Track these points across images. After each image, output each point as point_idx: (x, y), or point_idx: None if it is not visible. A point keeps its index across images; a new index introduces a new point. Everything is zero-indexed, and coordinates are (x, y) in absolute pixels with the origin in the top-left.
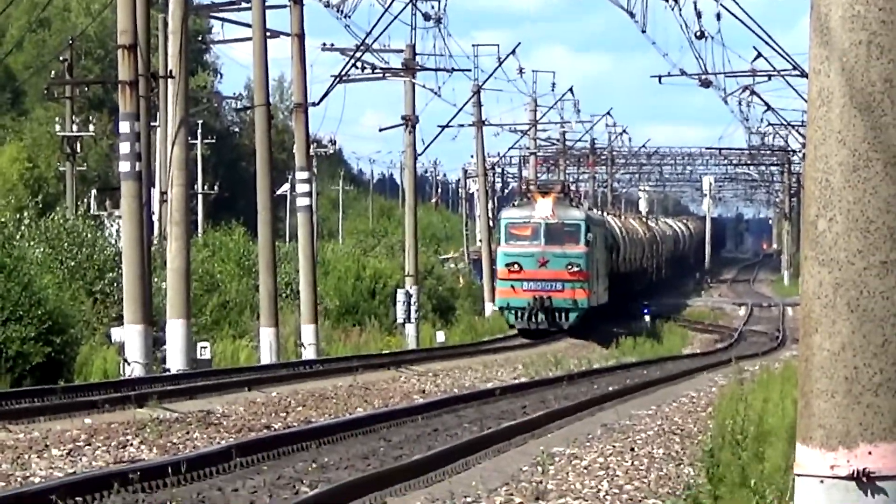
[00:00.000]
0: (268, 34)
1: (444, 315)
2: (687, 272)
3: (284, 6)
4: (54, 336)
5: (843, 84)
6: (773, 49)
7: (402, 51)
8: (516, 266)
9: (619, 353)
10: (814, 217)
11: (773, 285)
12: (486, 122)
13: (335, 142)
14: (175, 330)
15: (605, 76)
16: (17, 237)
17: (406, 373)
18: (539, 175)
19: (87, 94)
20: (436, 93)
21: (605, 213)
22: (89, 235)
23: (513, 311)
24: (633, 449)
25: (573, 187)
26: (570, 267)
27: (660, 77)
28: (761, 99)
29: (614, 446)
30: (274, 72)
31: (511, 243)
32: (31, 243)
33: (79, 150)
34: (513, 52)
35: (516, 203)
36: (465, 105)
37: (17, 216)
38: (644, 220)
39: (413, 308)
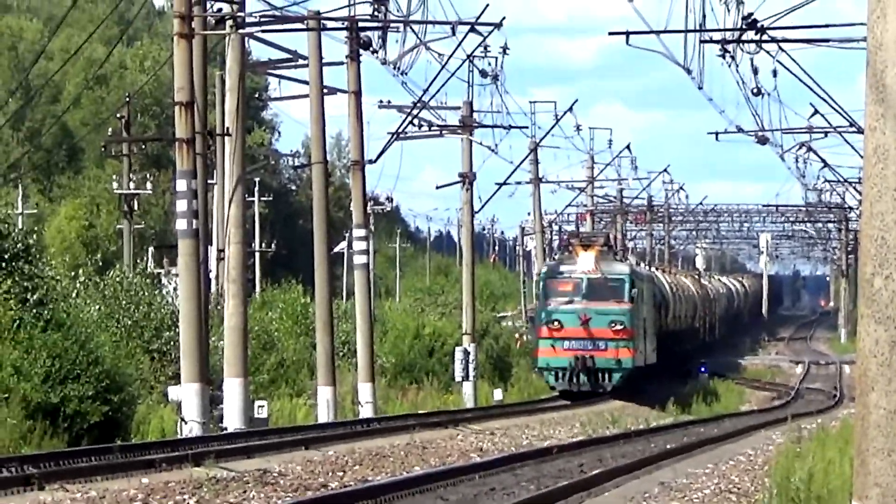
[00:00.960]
0: (325, 91)
1: (502, 373)
2: (742, 331)
3: (341, 63)
4: (112, 395)
5: None
6: (830, 105)
7: (459, 108)
8: (557, 323)
9: (671, 413)
10: (870, 275)
11: (831, 343)
12: (544, 180)
13: (392, 199)
14: (232, 388)
15: (662, 133)
16: (74, 295)
17: (463, 431)
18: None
19: (145, 151)
20: (493, 150)
21: (653, 269)
22: (146, 293)
23: (553, 372)
24: None
25: (627, 243)
26: (613, 325)
27: (717, 134)
28: (818, 155)
29: None
30: (331, 129)
31: (551, 299)
32: (88, 301)
33: (136, 207)
34: (570, 108)
35: (557, 257)
36: (522, 162)
37: (73, 274)
38: (695, 276)
39: (471, 366)
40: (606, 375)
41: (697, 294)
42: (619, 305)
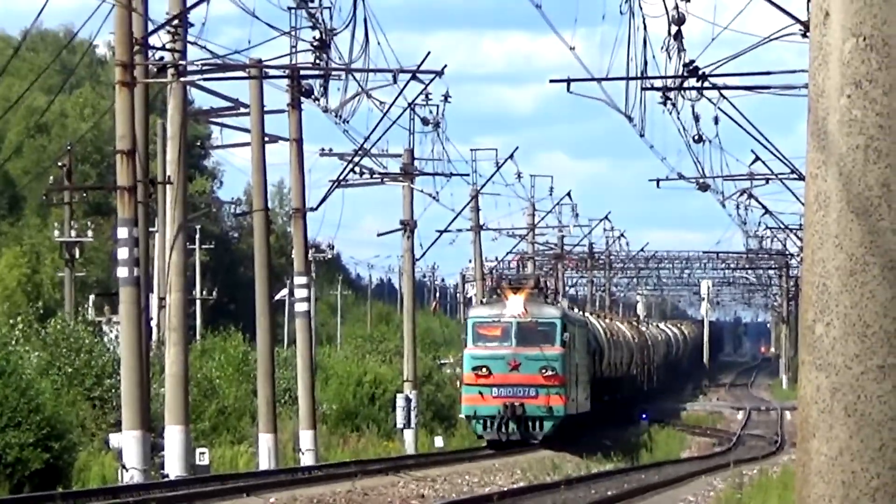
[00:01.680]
0: (266, 139)
1: (443, 420)
2: (682, 377)
3: (283, 111)
4: (53, 442)
5: (840, 188)
6: (772, 152)
7: (400, 155)
8: (484, 370)
9: (613, 461)
10: (811, 321)
11: (772, 389)
12: (485, 227)
13: (333, 246)
14: (173, 436)
15: (604, 180)
16: (13, 343)
17: (404, 478)
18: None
19: (87, 199)
20: (434, 197)
21: (587, 314)
22: (87, 341)
23: (480, 421)
24: None
25: (567, 290)
26: (544, 371)
27: (658, 181)
28: (759, 202)
29: None
30: (273, 176)
31: (479, 345)
32: (27, 349)
33: (79, 255)
34: (510, 156)
35: (485, 300)
36: (463, 209)
37: (11, 322)
38: (632, 322)
39: (412, 413)
40: (537, 424)
41: (634, 340)
42: (550, 350)
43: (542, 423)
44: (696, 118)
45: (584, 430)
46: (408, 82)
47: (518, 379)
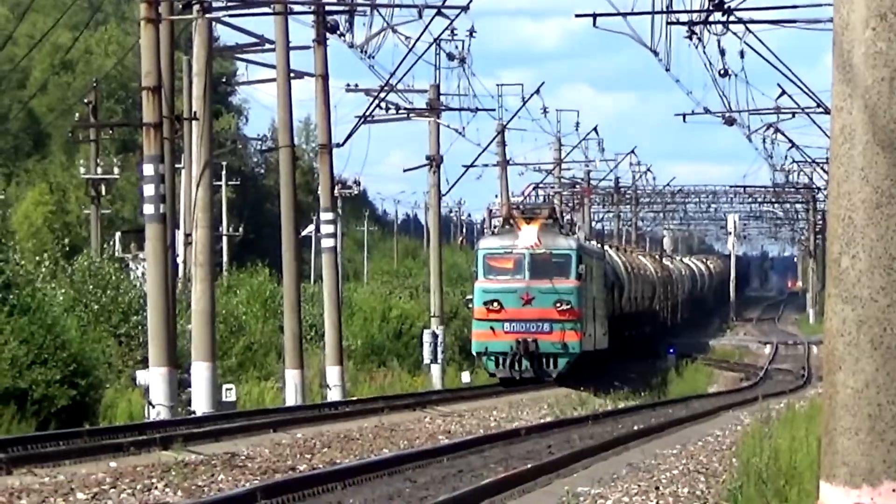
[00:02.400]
0: (292, 75)
1: (470, 356)
2: (707, 314)
3: (308, 47)
4: (79, 379)
5: (865, 121)
6: (797, 86)
7: (426, 91)
8: (496, 304)
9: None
10: (837, 255)
11: (799, 324)
12: (511, 162)
13: (360, 182)
14: (200, 372)
15: (630, 114)
16: (39, 280)
17: (431, 413)
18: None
19: (113, 136)
20: (460, 133)
21: (606, 247)
22: (114, 278)
23: (492, 358)
24: (657, 488)
25: (594, 225)
26: (558, 304)
27: (684, 115)
28: (785, 136)
29: (639, 485)
30: (299, 113)
31: (490, 278)
32: (53, 286)
33: (106, 192)
34: (537, 91)
35: (497, 231)
36: (489, 145)
37: (37, 259)
38: (655, 256)
39: (439, 349)
40: (551, 361)
41: (657, 275)
42: (565, 283)
43: (556, 360)
44: (722, 52)
45: (602, 368)
46: (433, 17)
47: (531, 314)
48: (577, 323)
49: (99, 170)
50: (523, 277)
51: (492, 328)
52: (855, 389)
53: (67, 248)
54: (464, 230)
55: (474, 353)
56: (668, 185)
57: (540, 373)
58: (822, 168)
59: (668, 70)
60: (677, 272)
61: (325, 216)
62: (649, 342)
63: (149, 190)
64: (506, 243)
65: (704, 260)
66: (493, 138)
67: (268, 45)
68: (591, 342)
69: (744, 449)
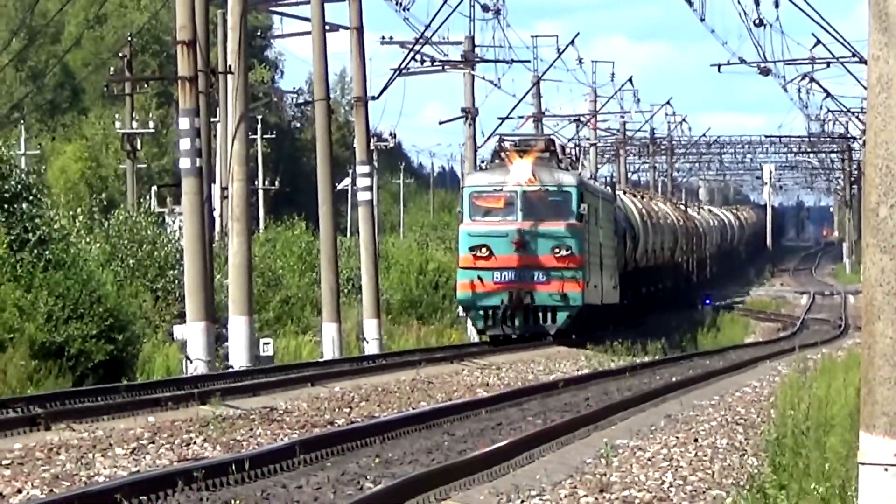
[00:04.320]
0: (327, 28)
1: None
2: (737, 268)
3: (343, 0)
4: (116, 334)
5: None
6: (833, 36)
7: (461, 43)
8: (484, 250)
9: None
10: (875, 204)
11: (836, 274)
12: (546, 113)
13: (395, 135)
14: (237, 326)
15: (665, 65)
16: (73, 235)
17: (469, 366)
18: (599, 167)
19: (150, 90)
20: (495, 84)
21: (618, 192)
22: (150, 232)
23: (480, 312)
24: (696, 440)
25: (630, 175)
26: (556, 250)
27: (719, 66)
28: (821, 86)
29: (678, 437)
30: (335, 66)
31: (477, 219)
32: (88, 241)
33: (140, 147)
34: (571, 42)
35: (486, 166)
36: (524, 96)
37: (71, 214)
38: (677, 204)
39: None
40: (549, 315)
41: (679, 224)
42: (563, 225)
43: (554, 315)
44: (757, 2)
45: (611, 325)
46: None
47: (525, 260)
48: (578, 271)
49: (135, 124)
50: (515, 219)
51: (479, 277)
52: (893, 339)
53: (105, 204)
54: None
55: (459, 307)
56: (703, 135)
57: (536, 329)
58: (857, 118)
59: (702, 20)
60: (704, 223)
61: (361, 169)
62: (671, 299)
63: (185, 144)
64: (495, 179)
65: (734, 210)
66: (528, 90)
67: None
68: (596, 294)
69: (782, 399)
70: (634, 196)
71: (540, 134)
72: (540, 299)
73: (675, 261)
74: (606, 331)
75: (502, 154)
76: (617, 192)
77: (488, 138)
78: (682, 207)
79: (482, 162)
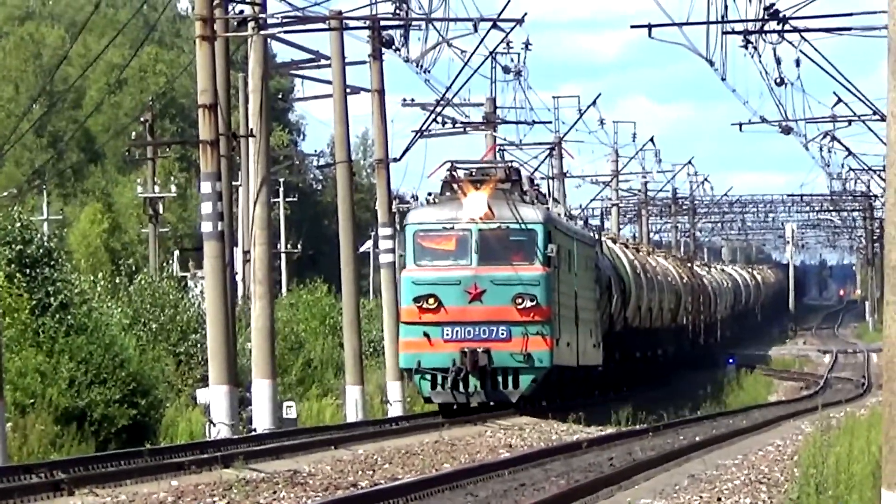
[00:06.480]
0: (348, 91)
1: None
2: (752, 330)
3: (364, 62)
4: (139, 398)
5: None
6: (853, 94)
7: (482, 104)
8: (432, 300)
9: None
10: (895, 262)
11: (858, 332)
12: (568, 174)
13: (417, 197)
14: (261, 390)
15: (686, 125)
16: (95, 299)
17: (492, 427)
18: (621, 227)
19: (170, 155)
20: (517, 145)
21: (606, 240)
22: (172, 296)
23: (426, 377)
24: (720, 499)
25: (652, 236)
26: (519, 300)
27: (740, 125)
28: (842, 144)
29: (701, 496)
30: (356, 128)
31: (423, 264)
32: (111, 305)
33: (161, 211)
34: (593, 103)
35: (434, 199)
36: (546, 158)
37: (92, 279)
38: (681, 259)
39: None
40: (510, 379)
41: (683, 283)
42: (527, 270)
43: (517, 378)
44: (778, 61)
45: (597, 391)
46: (488, 31)
47: (481, 313)
48: (545, 325)
49: (156, 188)
50: (469, 263)
51: (426, 335)
52: None
53: (133, 269)
54: None
55: (402, 370)
56: (725, 194)
57: (494, 395)
58: (879, 175)
59: (724, 80)
60: (714, 282)
61: (384, 231)
62: (671, 364)
63: (206, 208)
64: (445, 216)
65: (750, 269)
66: (549, 150)
67: (323, 61)
68: (569, 354)
69: (805, 458)
70: (626, 246)
71: (500, 161)
72: (499, 360)
73: (679, 323)
74: (593, 398)
75: (454, 185)
76: (603, 239)
77: (438, 168)
78: (689, 265)
79: (429, 195)
